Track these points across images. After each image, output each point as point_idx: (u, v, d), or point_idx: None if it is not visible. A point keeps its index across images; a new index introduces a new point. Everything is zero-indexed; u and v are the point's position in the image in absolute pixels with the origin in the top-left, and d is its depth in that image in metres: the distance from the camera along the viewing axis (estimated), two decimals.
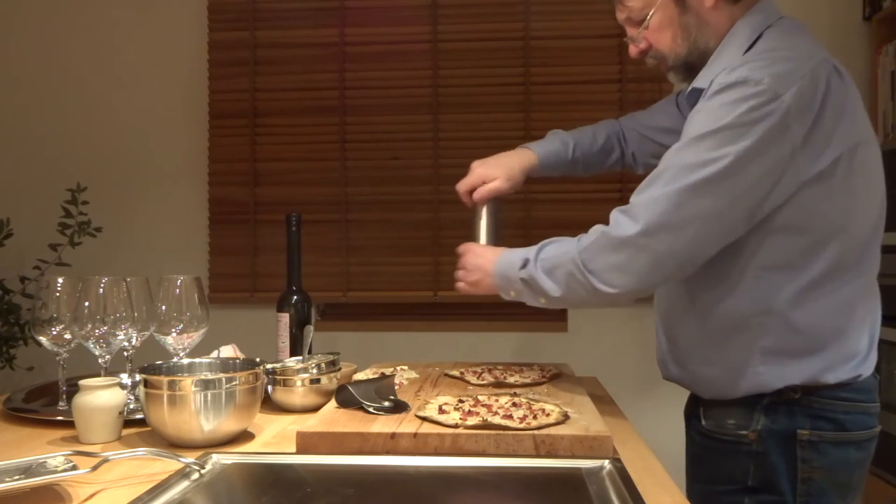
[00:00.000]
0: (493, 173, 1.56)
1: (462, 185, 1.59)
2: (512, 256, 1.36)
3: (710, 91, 1.20)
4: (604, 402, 1.44)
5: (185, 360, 1.26)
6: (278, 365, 1.39)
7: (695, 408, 1.37)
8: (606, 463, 0.99)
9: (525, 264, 1.31)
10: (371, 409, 1.18)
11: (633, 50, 1.36)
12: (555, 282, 1.27)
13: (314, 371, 1.36)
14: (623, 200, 3.43)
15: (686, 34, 1.29)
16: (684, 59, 1.31)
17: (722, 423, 1.29)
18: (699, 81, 1.28)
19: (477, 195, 1.56)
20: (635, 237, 1.19)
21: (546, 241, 1.33)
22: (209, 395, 1.09)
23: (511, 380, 1.46)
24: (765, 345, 1.23)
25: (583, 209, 2.84)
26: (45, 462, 0.93)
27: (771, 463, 1.25)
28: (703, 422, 1.32)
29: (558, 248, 1.29)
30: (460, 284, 1.45)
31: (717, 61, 1.26)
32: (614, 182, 2.82)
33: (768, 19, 1.26)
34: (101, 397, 1.15)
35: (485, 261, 1.40)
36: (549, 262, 1.28)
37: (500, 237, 1.55)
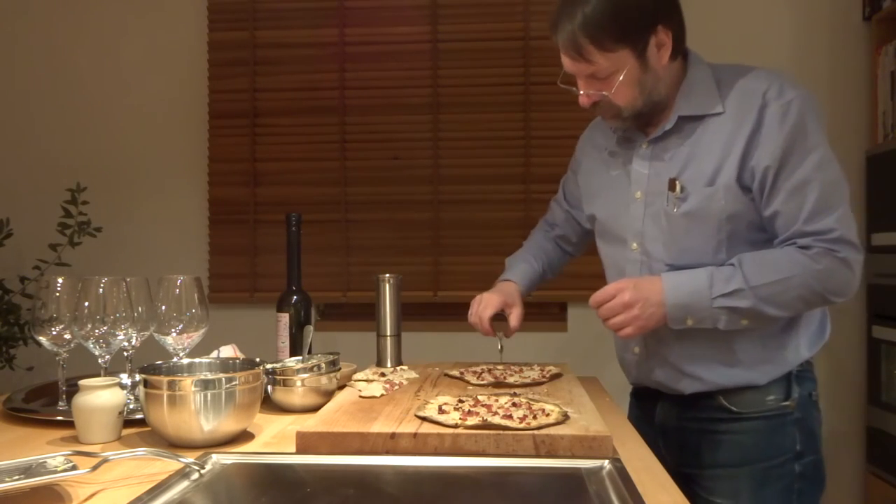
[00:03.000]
0: (510, 300, 1.65)
1: (486, 315, 1.62)
2: (690, 286, 1.34)
3: (775, 111, 1.33)
4: (604, 402, 1.44)
5: (185, 360, 1.26)
6: (278, 365, 1.39)
7: (701, 402, 1.44)
8: (606, 463, 0.99)
9: (734, 294, 1.31)
10: None
11: (585, 101, 1.40)
12: (781, 308, 1.34)
13: (314, 371, 1.36)
14: None
15: (643, 90, 1.37)
16: (638, 111, 1.39)
17: (762, 402, 1.41)
18: (685, 110, 1.39)
19: (514, 324, 1.65)
20: (858, 255, 1.33)
21: (722, 269, 1.33)
22: (209, 395, 1.09)
23: (511, 380, 1.46)
24: (802, 325, 1.42)
25: None
26: (45, 462, 0.93)
27: (808, 425, 1.43)
28: (733, 407, 1.42)
29: (771, 274, 1.31)
30: (628, 330, 1.36)
31: (691, 96, 1.40)
32: None
33: (706, 64, 1.43)
34: (101, 397, 1.15)
35: (654, 293, 1.35)
36: (770, 290, 1.31)
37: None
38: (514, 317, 1.64)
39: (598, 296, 1.39)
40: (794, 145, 1.32)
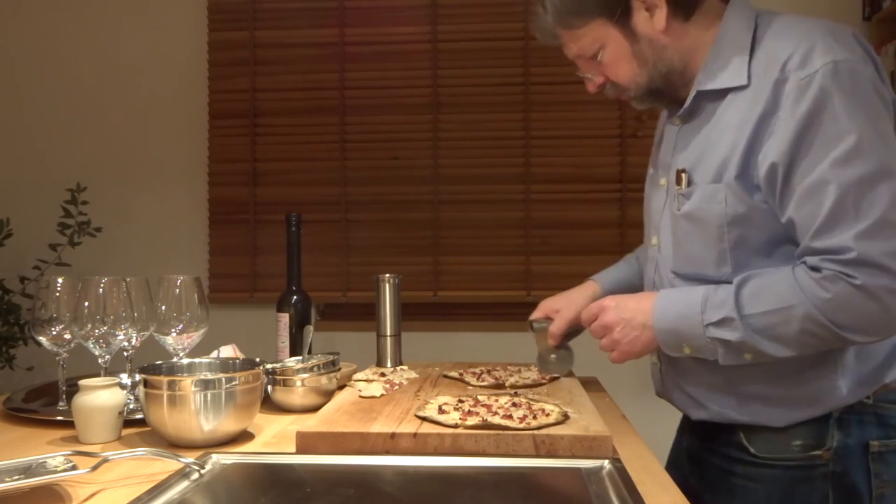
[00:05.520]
0: (558, 305, 1.48)
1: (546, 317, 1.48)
2: (682, 309, 1.15)
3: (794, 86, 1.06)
4: (604, 402, 1.44)
5: (185, 360, 1.26)
6: (278, 365, 1.39)
7: (722, 435, 1.24)
8: (606, 463, 0.99)
9: (723, 323, 1.10)
10: None
11: (590, 86, 1.27)
12: (782, 343, 1.09)
13: (314, 371, 1.36)
14: (623, 200, 3.38)
15: (643, 62, 1.20)
16: (647, 87, 1.23)
17: (784, 447, 1.17)
18: (705, 84, 1.18)
19: (555, 330, 1.46)
20: (892, 282, 1.03)
21: (720, 291, 1.12)
22: (209, 395, 1.09)
23: (511, 381, 1.46)
24: (847, 360, 1.14)
25: (583, 209, 2.84)
26: (45, 462, 0.93)
27: (851, 483, 1.15)
28: (751, 448, 1.20)
29: (769, 301, 1.09)
30: (613, 355, 1.23)
31: (714, 65, 1.17)
32: (614, 182, 2.82)
33: (752, 14, 1.18)
34: (101, 397, 1.15)
35: (639, 314, 1.19)
36: (765, 321, 1.09)
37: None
38: (555, 323, 1.45)
39: (584, 314, 1.28)
40: (808, 135, 1.04)
